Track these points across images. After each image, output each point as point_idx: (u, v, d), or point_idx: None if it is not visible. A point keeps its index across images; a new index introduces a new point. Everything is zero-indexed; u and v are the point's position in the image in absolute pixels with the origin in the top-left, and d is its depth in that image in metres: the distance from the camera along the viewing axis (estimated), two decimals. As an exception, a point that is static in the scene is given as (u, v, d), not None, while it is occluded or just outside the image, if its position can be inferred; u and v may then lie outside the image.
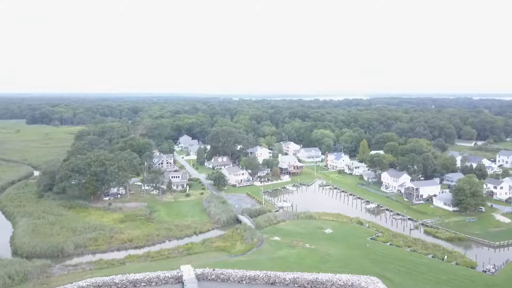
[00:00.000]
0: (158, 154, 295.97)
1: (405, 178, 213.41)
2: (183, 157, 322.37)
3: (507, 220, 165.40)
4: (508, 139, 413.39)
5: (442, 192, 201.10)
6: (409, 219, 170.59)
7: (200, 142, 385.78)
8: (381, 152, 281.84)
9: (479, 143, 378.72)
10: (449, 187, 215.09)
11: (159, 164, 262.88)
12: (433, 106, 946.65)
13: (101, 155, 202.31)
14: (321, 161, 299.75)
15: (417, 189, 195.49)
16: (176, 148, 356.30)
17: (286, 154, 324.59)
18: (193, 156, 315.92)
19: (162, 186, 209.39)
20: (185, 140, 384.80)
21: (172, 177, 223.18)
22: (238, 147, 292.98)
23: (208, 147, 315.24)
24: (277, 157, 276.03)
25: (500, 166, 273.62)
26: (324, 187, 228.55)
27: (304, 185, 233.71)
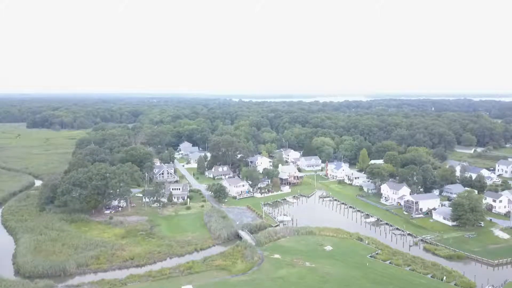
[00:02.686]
0: (159, 163, 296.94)
1: (405, 191, 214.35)
2: (183, 165, 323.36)
3: (506, 236, 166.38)
4: (507, 145, 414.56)
5: (442, 204, 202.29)
6: (409, 234, 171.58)
7: (200, 149, 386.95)
8: (381, 161, 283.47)
9: (479, 149, 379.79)
10: (448, 199, 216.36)
11: (160, 174, 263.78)
12: (433, 109, 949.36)
13: (102, 168, 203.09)
14: (321, 169, 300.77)
15: (416, 202, 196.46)
16: (177, 155, 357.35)
17: (286, 162, 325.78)
18: (194, 165, 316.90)
19: (163, 199, 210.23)
20: (185, 147, 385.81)
21: (173, 189, 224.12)
22: (239, 155, 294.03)
23: (209, 154, 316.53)
24: (277, 167, 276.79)
25: (499, 175, 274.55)
26: (324, 199, 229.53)
27: (304, 196, 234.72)
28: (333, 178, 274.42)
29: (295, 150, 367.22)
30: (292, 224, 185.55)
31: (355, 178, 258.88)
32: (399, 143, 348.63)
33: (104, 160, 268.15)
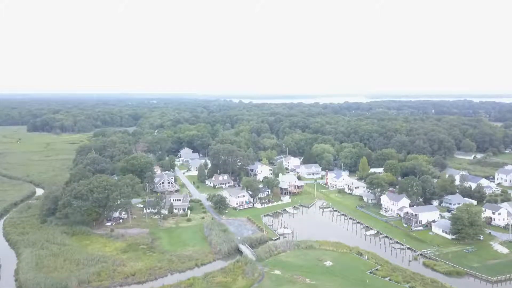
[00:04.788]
0: (159, 171, 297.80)
1: (405, 202, 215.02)
2: (183, 173, 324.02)
3: (505, 251, 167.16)
4: (507, 151, 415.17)
5: (441, 216, 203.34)
6: (408, 248, 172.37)
7: (200, 155, 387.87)
8: (381, 169, 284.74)
9: (479, 156, 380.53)
10: (448, 209, 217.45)
11: (160, 184, 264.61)
12: (433, 111, 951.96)
13: (103, 180, 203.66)
14: (321, 177, 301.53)
15: (416, 215, 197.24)
16: (177, 161, 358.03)
17: (287, 169, 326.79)
18: (194, 172, 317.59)
19: (164, 211, 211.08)
20: (185, 153, 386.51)
21: (173, 200, 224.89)
22: (239, 164, 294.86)
23: (209, 161, 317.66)
24: (278, 176, 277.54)
25: (498, 184, 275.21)
26: (324, 209, 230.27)
27: (304, 206, 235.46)
28: (333, 187, 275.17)
29: (295, 156, 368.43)
30: (293, 237, 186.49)
31: (355, 187, 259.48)
32: (399, 149, 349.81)
33: (105, 169, 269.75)
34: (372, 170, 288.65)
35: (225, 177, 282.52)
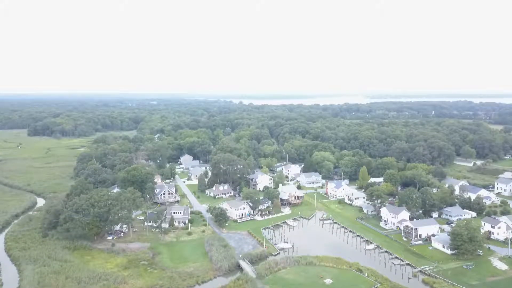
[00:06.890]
0: (159, 180, 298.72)
1: (404, 215, 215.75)
2: (184, 182, 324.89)
3: (504, 267, 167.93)
4: (507, 157, 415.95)
5: (441, 228, 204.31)
6: (408, 264, 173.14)
7: (201, 162, 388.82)
8: (381, 179, 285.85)
9: (478, 162, 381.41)
10: (447, 222, 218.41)
11: (161, 194, 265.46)
12: (433, 112, 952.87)
13: (104, 195, 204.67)
14: (321, 186, 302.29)
15: (415, 229, 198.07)
16: (177, 168, 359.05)
17: (287, 177, 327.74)
18: (194, 181, 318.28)
19: (164, 225, 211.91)
20: (186, 160, 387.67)
21: (174, 213, 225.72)
22: (239, 173, 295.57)
23: (209, 169, 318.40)
24: (278, 186, 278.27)
25: (498, 193, 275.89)
26: (324, 222, 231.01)
27: (304, 218, 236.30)
28: (333, 197, 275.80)
29: (295, 162, 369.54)
30: (293, 252, 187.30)
31: (355, 198, 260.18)
32: (399, 156, 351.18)
33: (106, 180, 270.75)
34: (372, 179, 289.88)
35: (226, 187, 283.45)
